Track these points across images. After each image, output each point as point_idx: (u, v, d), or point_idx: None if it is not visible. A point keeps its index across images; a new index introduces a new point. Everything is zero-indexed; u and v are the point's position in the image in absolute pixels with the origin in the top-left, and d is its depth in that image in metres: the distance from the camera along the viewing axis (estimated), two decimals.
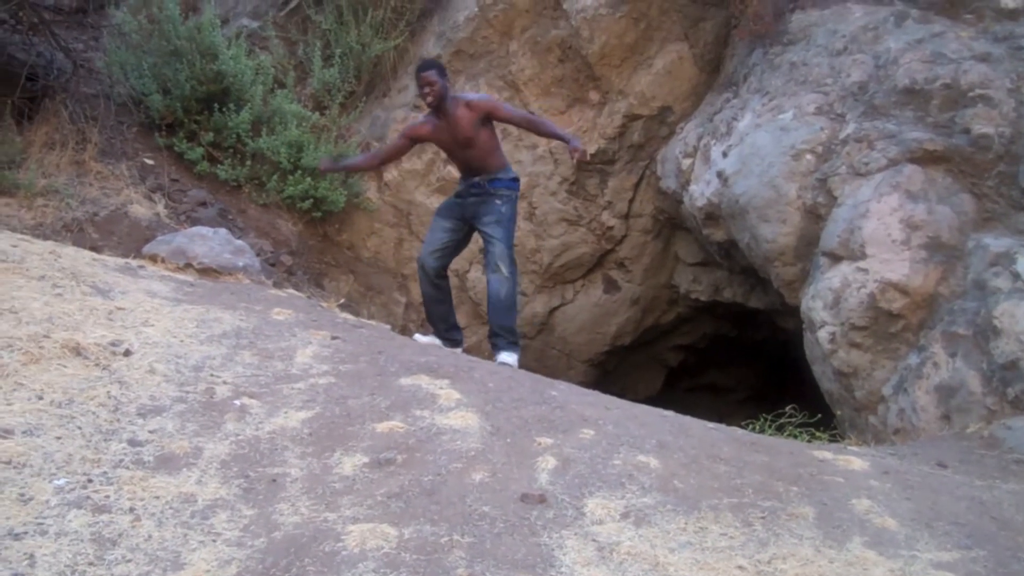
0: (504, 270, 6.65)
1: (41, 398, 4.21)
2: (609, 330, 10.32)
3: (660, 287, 10.32)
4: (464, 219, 6.93)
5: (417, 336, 7.20)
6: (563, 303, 10.20)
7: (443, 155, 8.53)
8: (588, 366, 10.51)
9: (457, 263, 9.49)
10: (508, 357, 6.59)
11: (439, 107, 6.66)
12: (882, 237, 6.46)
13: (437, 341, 7.01)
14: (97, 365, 4.63)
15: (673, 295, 10.36)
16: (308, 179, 8.80)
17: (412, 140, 7.01)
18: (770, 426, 6.01)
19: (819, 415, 6.36)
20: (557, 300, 10.18)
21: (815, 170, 7.10)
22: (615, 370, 11.04)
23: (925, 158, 6.59)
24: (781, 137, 7.32)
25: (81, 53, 9.16)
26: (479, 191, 6.83)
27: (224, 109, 8.68)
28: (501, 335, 6.72)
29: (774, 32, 7.95)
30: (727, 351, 11.70)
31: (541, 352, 10.25)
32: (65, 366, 4.54)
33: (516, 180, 7.00)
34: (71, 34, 9.40)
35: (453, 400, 4.83)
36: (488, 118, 6.70)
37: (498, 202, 6.78)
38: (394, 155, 7.40)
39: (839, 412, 6.94)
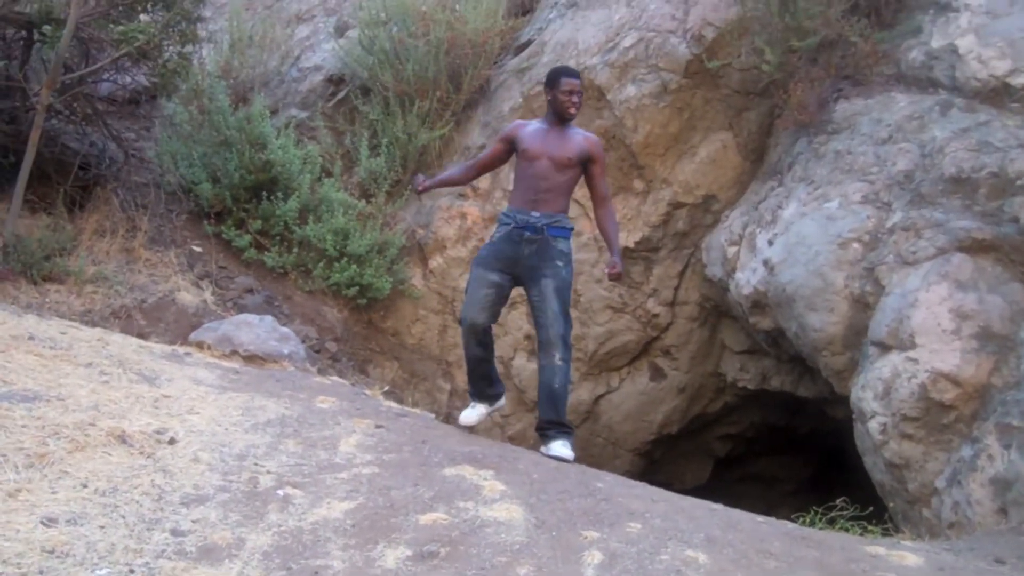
0: (559, 355, 5.75)
1: (86, 486, 4.22)
2: (655, 418, 10.21)
3: (707, 375, 10.22)
4: (513, 272, 5.92)
5: (463, 417, 6.23)
6: (608, 391, 10.12)
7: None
8: (634, 455, 10.38)
9: (502, 349, 9.48)
10: (562, 448, 5.68)
11: (563, 119, 5.97)
12: (932, 327, 6.37)
13: (483, 410, 6.24)
14: (142, 453, 4.64)
15: (720, 383, 10.25)
16: (354, 266, 8.85)
17: (510, 143, 6.12)
18: (821, 519, 5.88)
19: (871, 508, 6.21)
20: (603, 388, 10.10)
21: (862, 259, 7.04)
22: (662, 459, 10.90)
23: (974, 247, 6.52)
24: (827, 226, 7.28)
25: (133, 143, 9.35)
26: (535, 235, 5.82)
27: (272, 197, 8.80)
28: (553, 427, 5.80)
29: (818, 121, 7.95)
30: (776, 441, 11.51)
31: (587, 441, 10.14)
32: (110, 454, 4.55)
33: (572, 228, 6.12)
34: (123, 124, 9.61)
35: (497, 492, 4.77)
36: (588, 163, 5.96)
37: (559, 263, 5.82)
38: (490, 164, 6.49)
39: (892, 505, 6.79)
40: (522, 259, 5.86)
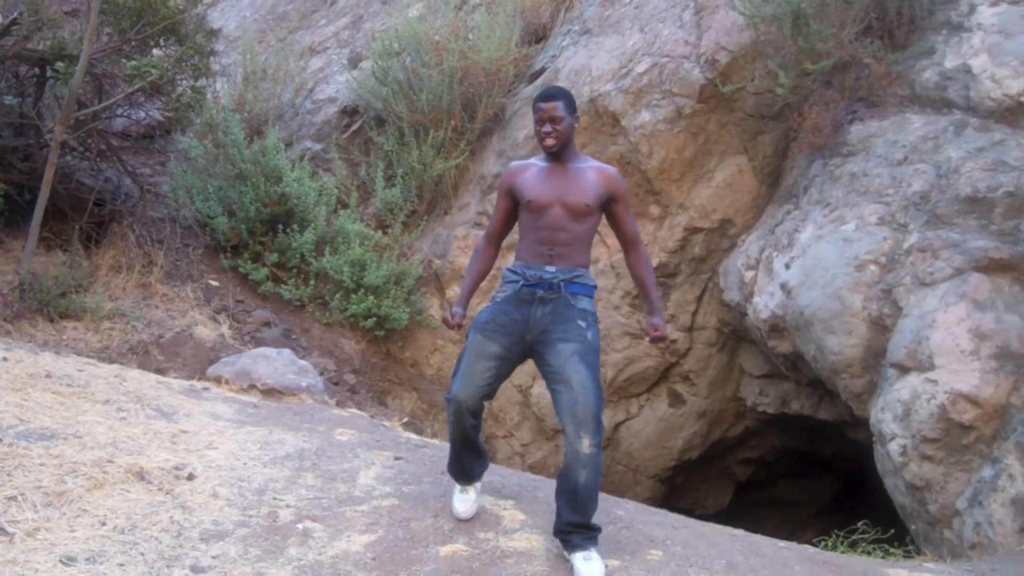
0: (588, 440, 4.40)
1: (104, 524, 4.21)
2: (676, 444, 10.15)
3: (726, 400, 10.16)
4: (522, 340, 4.62)
5: (459, 509, 4.85)
6: (628, 418, 10.07)
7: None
8: (655, 481, 10.32)
9: (519, 378, 9.45)
10: (590, 566, 4.30)
11: (559, 154, 4.67)
12: (950, 347, 6.33)
13: (475, 493, 4.93)
14: (160, 490, 4.62)
15: (740, 408, 10.19)
16: (371, 297, 8.85)
17: (510, 195, 4.86)
18: (842, 542, 5.84)
19: (892, 530, 6.18)
20: (622, 415, 10.06)
21: (879, 280, 7.00)
22: (683, 485, 10.83)
23: (991, 267, 6.48)
24: (844, 248, 7.24)
25: (148, 178, 9.40)
26: (551, 294, 4.62)
27: (288, 230, 8.82)
28: (578, 531, 4.46)
29: (833, 144, 7.92)
30: (797, 465, 11.43)
31: (607, 468, 10.08)
32: (128, 491, 4.54)
33: (595, 287, 4.82)
34: (138, 159, 9.66)
35: (518, 521, 4.75)
36: (610, 203, 4.74)
37: (581, 323, 4.56)
38: (506, 224, 5.02)
39: (913, 527, 6.72)
40: (533, 323, 4.60)
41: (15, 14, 7.47)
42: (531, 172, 4.75)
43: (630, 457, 10.20)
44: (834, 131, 7.92)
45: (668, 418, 10.09)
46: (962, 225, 6.76)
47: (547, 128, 4.59)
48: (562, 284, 4.62)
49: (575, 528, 4.42)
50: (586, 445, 4.37)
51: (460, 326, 4.91)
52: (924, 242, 6.83)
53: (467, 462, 4.85)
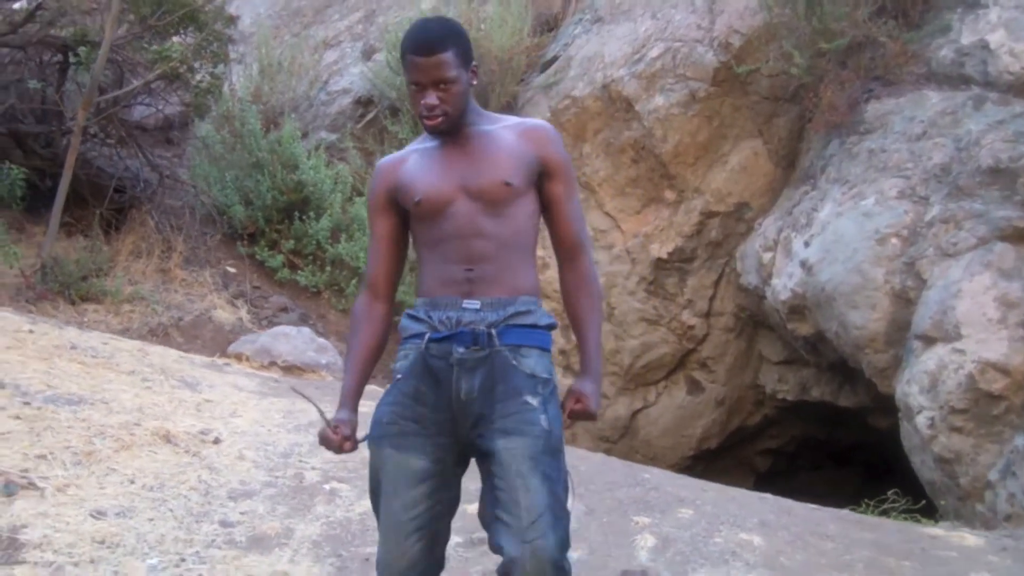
0: None
1: (133, 482, 4.21)
2: (694, 433, 10.10)
3: (745, 387, 10.11)
4: (455, 435, 2.79)
5: None
6: (645, 405, 10.04)
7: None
8: (674, 471, 10.27)
9: None
10: None
11: (451, 126, 2.83)
12: (977, 317, 6.28)
13: None
14: (187, 452, 4.63)
15: (759, 395, 10.14)
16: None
17: (390, 202, 2.96)
18: (873, 511, 5.81)
19: (923, 501, 6.13)
20: (639, 403, 10.02)
21: (901, 254, 6.97)
22: (702, 475, 10.74)
23: (1015, 235, 6.44)
24: (864, 223, 7.21)
25: (166, 166, 9.42)
26: (475, 351, 2.76)
27: (304, 217, 8.85)
28: None
29: (850, 122, 7.90)
30: (817, 455, 11.38)
31: (625, 457, 9.97)
32: (156, 452, 4.54)
33: (553, 325, 2.90)
34: (157, 148, 9.70)
35: None
36: (543, 177, 2.89)
37: (530, 400, 2.72)
38: (390, 258, 3.07)
39: (943, 503, 6.66)
40: (460, 408, 2.75)
41: (39, 0, 7.53)
42: (413, 161, 2.92)
43: (648, 446, 10.16)
44: (850, 109, 7.90)
45: (686, 406, 10.05)
46: (984, 196, 6.73)
47: (430, 99, 2.76)
48: (493, 332, 2.76)
49: None
50: None
51: (352, 443, 2.82)
52: (946, 213, 6.80)
53: None
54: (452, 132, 2.83)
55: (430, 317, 2.82)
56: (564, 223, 2.93)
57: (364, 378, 2.97)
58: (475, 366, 2.73)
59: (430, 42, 2.73)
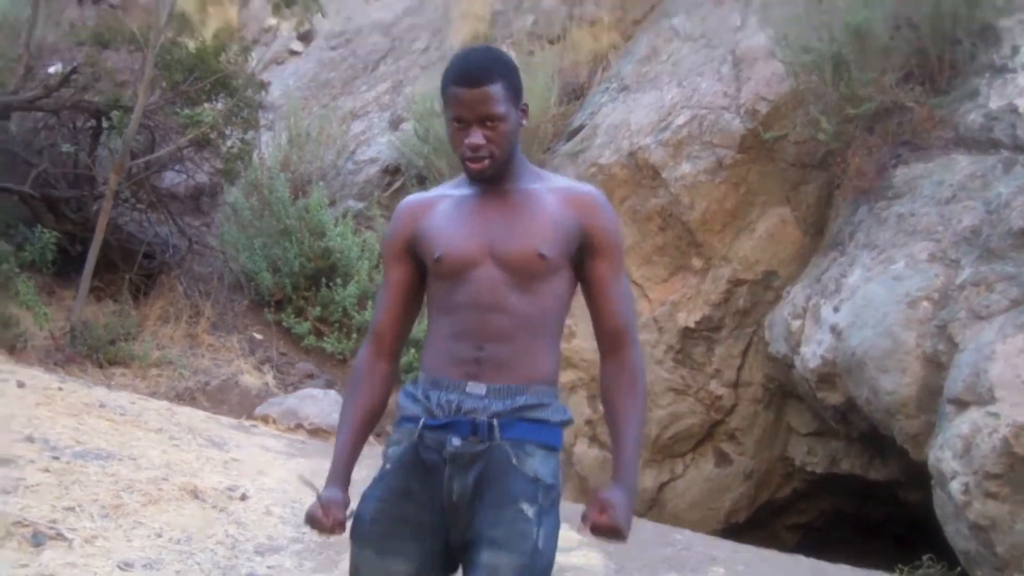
0: None
1: (160, 535, 4.19)
2: (723, 506, 9.96)
3: (774, 460, 9.98)
4: (445, 539, 2.42)
5: None
6: (673, 478, 9.92)
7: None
8: None
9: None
10: None
11: (498, 171, 2.47)
12: (1011, 379, 6.18)
13: None
14: (214, 507, 4.60)
15: (788, 468, 10.00)
16: (412, 351, 8.82)
17: (408, 254, 2.59)
18: None
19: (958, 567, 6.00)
20: (667, 475, 9.90)
21: (933, 317, 6.90)
22: None
23: None
24: (894, 286, 7.16)
25: (196, 233, 9.51)
26: (475, 443, 2.38)
27: (331, 284, 8.88)
28: None
29: (878, 188, 7.89)
30: (847, 530, 11.20)
31: None
32: (183, 507, 4.52)
33: (569, 422, 2.56)
34: (187, 215, 9.80)
35: (575, 540, 4.66)
36: (584, 252, 2.49)
37: (526, 508, 2.32)
38: (402, 309, 2.70)
39: (979, 573, 6.51)
40: (451, 508, 2.41)
41: (73, 64, 7.66)
42: (442, 209, 2.56)
43: (676, 519, 9.99)
44: (879, 175, 7.89)
45: (714, 478, 9.92)
46: (1016, 258, 6.68)
47: (475, 138, 2.39)
48: (495, 423, 2.38)
49: None
50: None
51: (342, 528, 2.44)
52: (978, 276, 6.74)
53: None
54: (497, 179, 2.48)
55: (428, 398, 2.45)
56: (609, 308, 2.53)
57: (359, 446, 2.62)
58: (470, 462, 2.38)
59: (476, 72, 2.39)
